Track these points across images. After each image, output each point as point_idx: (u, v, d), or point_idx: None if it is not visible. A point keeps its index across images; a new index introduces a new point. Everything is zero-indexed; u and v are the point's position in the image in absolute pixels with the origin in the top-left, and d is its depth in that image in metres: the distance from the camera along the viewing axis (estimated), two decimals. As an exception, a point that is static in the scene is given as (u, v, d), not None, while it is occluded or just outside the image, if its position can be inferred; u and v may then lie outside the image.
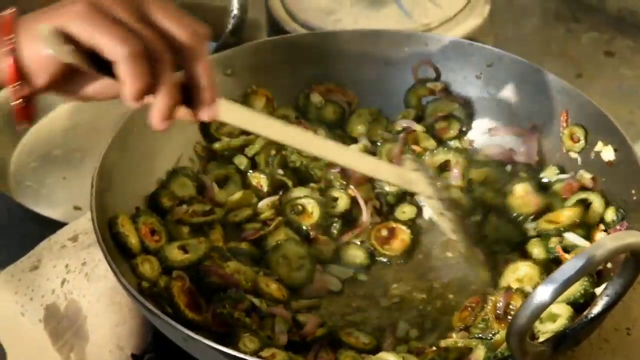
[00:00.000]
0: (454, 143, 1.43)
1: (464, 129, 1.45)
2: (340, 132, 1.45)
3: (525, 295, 1.17)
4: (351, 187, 1.35)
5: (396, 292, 1.26)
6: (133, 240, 1.21)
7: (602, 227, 1.26)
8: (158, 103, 0.96)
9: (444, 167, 1.39)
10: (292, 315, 1.19)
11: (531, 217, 1.31)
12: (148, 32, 0.94)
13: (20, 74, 0.96)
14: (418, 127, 1.44)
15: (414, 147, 1.41)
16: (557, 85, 1.35)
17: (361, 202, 1.34)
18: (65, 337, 1.26)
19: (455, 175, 1.37)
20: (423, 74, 1.46)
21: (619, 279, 1.02)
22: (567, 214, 1.28)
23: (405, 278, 1.28)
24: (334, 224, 1.33)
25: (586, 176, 1.32)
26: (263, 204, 1.34)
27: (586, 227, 1.26)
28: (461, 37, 1.61)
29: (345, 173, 1.37)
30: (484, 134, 1.44)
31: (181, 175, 1.34)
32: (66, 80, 0.98)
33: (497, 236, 1.31)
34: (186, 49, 0.97)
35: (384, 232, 1.32)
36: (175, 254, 1.23)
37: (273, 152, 1.39)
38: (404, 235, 1.32)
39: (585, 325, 1.05)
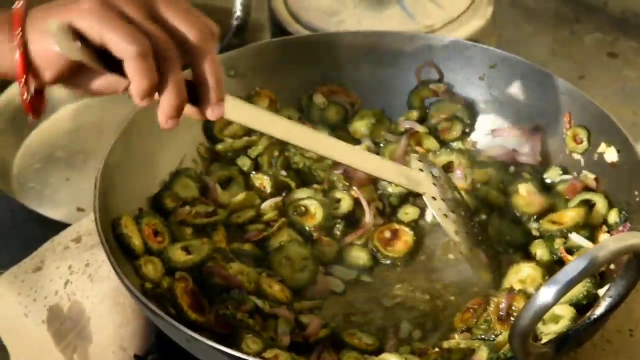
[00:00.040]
0: (457, 144, 1.43)
1: (467, 130, 1.44)
2: (343, 133, 1.45)
3: (528, 296, 1.17)
4: (354, 188, 1.35)
5: (399, 293, 1.26)
6: (136, 241, 1.21)
7: (605, 228, 1.26)
8: (165, 101, 0.96)
9: (447, 169, 1.39)
10: (295, 317, 1.19)
11: (534, 217, 1.31)
12: (157, 30, 0.94)
13: (29, 68, 0.96)
14: (421, 129, 1.44)
15: (417, 148, 1.42)
16: (560, 87, 1.35)
17: (364, 203, 1.34)
18: (68, 338, 1.26)
19: (458, 177, 1.37)
20: (426, 75, 1.46)
21: (622, 280, 1.02)
22: (570, 214, 1.28)
23: (408, 279, 1.28)
24: (337, 225, 1.33)
25: (590, 176, 1.32)
26: (266, 205, 1.34)
27: (590, 228, 1.26)
28: (464, 39, 1.60)
29: (348, 174, 1.37)
30: (487, 135, 1.44)
31: (184, 176, 1.34)
32: (74, 75, 0.99)
33: (500, 237, 1.31)
34: (194, 47, 0.97)
35: (387, 234, 1.32)
36: (178, 255, 1.23)
37: (276, 153, 1.39)
38: (406, 236, 1.32)
39: (588, 326, 1.05)
